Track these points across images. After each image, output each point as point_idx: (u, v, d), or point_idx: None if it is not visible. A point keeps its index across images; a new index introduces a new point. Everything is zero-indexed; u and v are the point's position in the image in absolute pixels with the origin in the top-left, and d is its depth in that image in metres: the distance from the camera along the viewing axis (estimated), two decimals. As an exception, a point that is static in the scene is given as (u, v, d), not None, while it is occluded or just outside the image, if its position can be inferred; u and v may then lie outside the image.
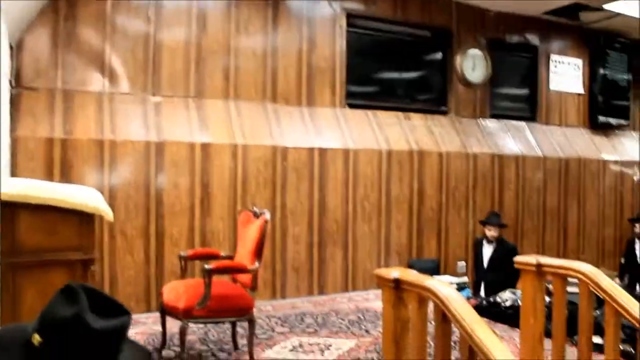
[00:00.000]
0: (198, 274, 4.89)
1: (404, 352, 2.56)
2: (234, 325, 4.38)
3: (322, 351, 4.39)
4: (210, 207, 5.70)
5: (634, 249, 6.83)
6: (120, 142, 5.31)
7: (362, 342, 4.64)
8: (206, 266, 3.83)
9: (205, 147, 5.67)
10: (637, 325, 2.40)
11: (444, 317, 2.26)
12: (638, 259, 6.72)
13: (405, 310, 2.52)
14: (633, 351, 3.35)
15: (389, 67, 7.29)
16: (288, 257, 6.07)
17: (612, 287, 2.56)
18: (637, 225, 6.81)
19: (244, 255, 4.17)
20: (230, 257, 4.42)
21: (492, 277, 6.03)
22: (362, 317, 5.37)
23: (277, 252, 6.01)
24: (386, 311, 2.60)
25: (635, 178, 9.08)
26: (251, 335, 3.98)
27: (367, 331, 4.94)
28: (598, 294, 2.63)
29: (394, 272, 2.49)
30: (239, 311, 3.95)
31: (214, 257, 4.39)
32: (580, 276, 2.66)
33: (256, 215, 4.27)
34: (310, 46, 6.42)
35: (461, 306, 2.16)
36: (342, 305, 5.85)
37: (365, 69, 7.06)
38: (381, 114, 6.89)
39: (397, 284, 2.47)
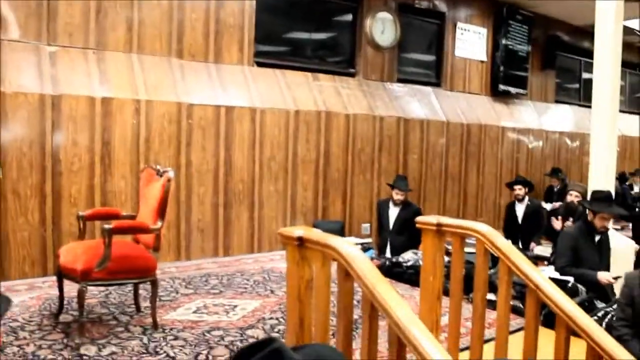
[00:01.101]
0: (99, 235, 4.68)
1: (308, 310, 2.56)
2: (136, 287, 4.23)
3: (226, 312, 4.36)
4: (111, 165, 5.46)
5: (514, 211, 7.19)
6: (11, 94, 4.93)
7: (267, 303, 4.64)
8: (105, 226, 3.67)
9: (106, 101, 5.39)
10: (528, 282, 2.52)
11: (347, 275, 2.27)
12: (519, 221, 7.09)
13: (309, 269, 2.51)
14: (522, 306, 3.54)
15: (298, 27, 7.20)
16: (193, 218, 5.95)
17: (507, 246, 2.68)
18: (515, 188, 7.16)
19: (146, 215, 4.03)
20: (132, 217, 4.27)
21: (398, 239, 6.19)
22: (267, 278, 5.38)
23: (182, 213, 5.87)
24: (290, 270, 2.58)
25: (530, 145, 9.56)
26: (154, 297, 3.87)
27: (272, 291, 4.95)
28: (493, 253, 2.74)
29: (298, 231, 2.47)
30: (141, 272, 3.83)
31: (115, 216, 4.21)
32: (478, 235, 2.76)
33: (159, 174, 4.12)
34: (219, 0, 6.20)
35: (364, 264, 2.17)
36: (248, 266, 5.83)
37: (274, 27, 6.94)
38: (290, 73, 6.82)
39: (301, 242, 2.46)
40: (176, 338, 3.76)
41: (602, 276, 4.55)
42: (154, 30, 5.81)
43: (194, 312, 4.33)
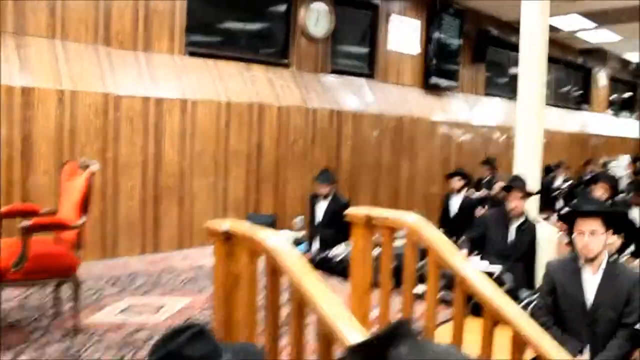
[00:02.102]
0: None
1: (235, 307, 2.49)
2: (57, 288, 4.01)
3: (154, 312, 4.22)
4: (32, 159, 5.18)
5: (449, 203, 7.29)
6: None
7: (197, 300, 4.52)
8: (22, 223, 3.46)
9: (26, 91, 5.11)
10: (454, 273, 2.53)
11: (274, 269, 2.21)
12: (453, 213, 7.19)
13: (236, 263, 2.44)
14: (451, 298, 3.57)
15: (231, 16, 7.06)
16: (120, 214, 5.74)
17: (435, 237, 2.67)
18: (453, 180, 7.25)
19: (68, 211, 3.84)
20: (53, 213, 4.06)
21: (326, 232, 6.14)
22: (197, 275, 5.24)
23: (109, 209, 5.65)
24: (217, 265, 2.51)
25: (461, 138, 9.74)
26: (76, 298, 3.69)
27: (202, 289, 4.82)
28: (422, 243, 2.73)
29: (225, 224, 2.40)
30: (61, 272, 3.65)
31: (34, 213, 3.99)
32: (407, 226, 2.75)
33: (83, 167, 3.93)
34: (148, -13, 5.99)
35: (291, 257, 2.12)
36: (178, 263, 5.67)
37: (207, 16, 6.79)
38: (222, 64, 6.67)
39: (228, 236, 2.38)
40: (100, 341, 3.60)
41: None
42: (78, 15, 5.54)
43: (120, 312, 4.16)
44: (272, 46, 7.50)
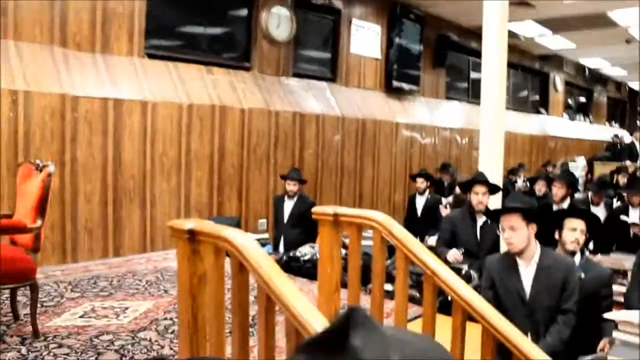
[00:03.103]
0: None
1: (202, 308, 2.43)
2: (13, 293, 3.86)
3: (117, 315, 4.11)
4: (-16, 163, 5.02)
5: (414, 204, 7.37)
6: None
7: (160, 303, 4.43)
8: (-25, 226, 3.34)
9: (-23, 92, 4.95)
10: (425, 268, 2.53)
11: (241, 268, 2.16)
12: (418, 213, 7.26)
13: (201, 263, 2.38)
14: (419, 295, 3.59)
15: (192, 19, 6.98)
16: (80, 217, 5.59)
17: (403, 233, 2.67)
18: (417, 181, 7.34)
19: (23, 213, 3.71)
20: (9, 216, 3.92)
21: (292, 233, 6.13)
22: (160, 277, 5.15)
23: (67, 212, 5.50)
24: (181, 265, 2.44)
25: (423, 141, 9.84)
26: (34, 303, 3.56)
27: (165, 291, 4.74)
28: (390, 241, 2.73)
29: (189, 223, 2.34)
30: (17, 276, 3.51)
31: (-12, 217, 3.86)
32: (374, 224, 2.74)
33: (38, 169, 3.81)
34: (106, -13, 5.87)
35: (258, 255, 2.08)
36: (140, 266, 5.55)
37: (167, 19, 6.70)
38: (183, 66, 6.58)
39: (192, 235, 2.32)
40: (60, 346, 3.48)
41: (450, 255, 4.73)
42: (32, 15, 5.38)
43: (81, 316, 4.04)
44: (234, 50, 7.45)
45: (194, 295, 2.43)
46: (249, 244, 2.15)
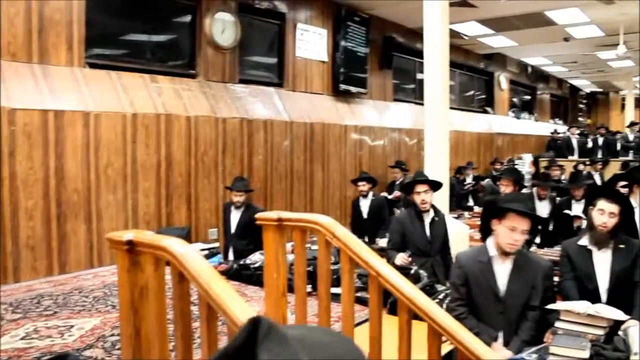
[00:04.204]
0: None
1: (144, 320, 2.37)
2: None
3: (61, 334, 3.98)
4: None
5: (359, 207, 7.39)
6: None
7: (108, 319, 4.32)
8: None
9: None
10: (369, 269, 2.52)
11: (181, 277, 2.12)
12: (364, 216, 7.29)
13: (142, 274, 2.32)
14: (367, 296, 3.58)
15: (134, 27, 6.87)
16: (21, 235, 5.40)
17: (347, 235, 2.66)
18: (359, 184, 7.37)
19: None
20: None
21: (240, 243, 6.05)
22: (108, 293, 5.02)
23: (7, 230, 5.30)
24: (121, 278, 2.38)
25: (372, 143, 9.90)
26: (-29, 325, 3.43)
27: (113, 306, 4.61)
28: (334, 243, 2.71)
29: (128, 234, 2.28)
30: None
31: None
32: (318, 227, 2.72)
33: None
34: (42, -5, 5.70)
35: (198, 263, 2.03)
36: (87, 282, 5.41)
37: (108, 27, 6.57)
38: (126, 75, 6.44)
39: (132, 246, 2.27)
40: (0, 368, 3.36)
41: (398, 258, 4.76)
42: (-38, 25, 5.20)
43: (22, 338, 3.89)
44: (178, 57, 7.35)
45: (135, 308, 2.37)
46: (188, 252, 2.11)
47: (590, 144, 14.55)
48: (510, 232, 3.12)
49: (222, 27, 7.41)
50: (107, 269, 5.86)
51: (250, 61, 8.17)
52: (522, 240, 3.17)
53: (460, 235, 5.94)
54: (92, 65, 6.17)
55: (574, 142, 14.71)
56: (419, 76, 11.60)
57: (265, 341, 0.61)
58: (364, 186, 7.28)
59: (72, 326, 4.14)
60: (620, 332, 2.94)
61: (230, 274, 5.32)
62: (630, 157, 13.18)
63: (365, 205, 7.29)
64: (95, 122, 5.92)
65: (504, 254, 3.19)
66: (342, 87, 9.27)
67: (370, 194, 7.31)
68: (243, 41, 7.74)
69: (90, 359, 3.54)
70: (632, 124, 15.21)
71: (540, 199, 6.91)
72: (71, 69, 5.94)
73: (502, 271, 3.22)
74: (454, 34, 10.21)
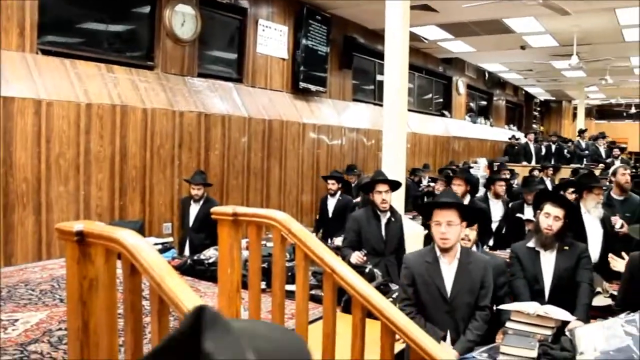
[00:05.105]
0: None
1: (93, 313, 2.31)
2: None
3: (4, 328, 3.84)
4: None
5: (326, 205, 7.42)
6: None
7: (55, 313, 4.20)
8: None
9: None
10: (324, 266, 2.52)
11: (133, 269, 2.07)
12: (330, 214, 7.31)
13: (92, 266, 2.26)
14: (322, 294, 3.58)
15: (92, 15, 6.71)
16: (-35, 224, 5.22)
17: (302, 231, 2.65)
18: (329, 182, 7.39)
19: None
20: None
21: (197, 237, 6.01)
22: (56, 286, 4.88)
23: (-49, 219, 5.12)
24: (70, 270, 2.31)
25: (330, 142, 9.92)
26: None
27: (61, 300, 4.49)
28: (290, 239, 2.70)
29: (78, 225, 2.21)
30: None
31: None
32: (274, 223, 2.70)
33: None
34: (-8, -22, 5.51)
35: (150, 256, 1.99)
36: (34, 275, 5.25)
37: (63, 14, 6.41)
38: (81, 64, 6.28)
39: (82, 237, 2.20)
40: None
41: (353, 257, 4.78)
42: None
43: (-38, 333, 3.76)
44: (136, 48, 7.21)
45: (84, 301, 2.31)
46: (140, 245, 2.07)
47: (544, 151, 14.95)
48: (436, 227, 3.19)
49: (182, 20, 7.31)
50: (56, 262, 5.71)
51: (210, 55, 8.08)
52: (450, 233, 3.17)
53: (416, 236, 6.00)
54: (45, 52, 6.00)
55: (532, 148, 15.08)
56: (378, 77, 11.69)
57: (209, 330, 0.60)
58: (333, 185, 7.31)
59: (16, 320, 4.01)
60: (567, 332, 3.02)
61: (183, 269, 5.24)
62: (584, 164, 13.60)
63: (331, 204, 7.33)
64: (47, 110, 5.75)
65: (444, 251, 3.25)
66: (302, 85, 9.25)
67: (338, 193, 7.33)
68: (203, 35, 7.65)
69: (34, 354, 3.43)
70: (581, 132, 15.70)
71: (496, 197, 7.03)
72: (22, 54, 5.76)
73: (449, 271, 3.26)
74: (414, 37, 10.32)
